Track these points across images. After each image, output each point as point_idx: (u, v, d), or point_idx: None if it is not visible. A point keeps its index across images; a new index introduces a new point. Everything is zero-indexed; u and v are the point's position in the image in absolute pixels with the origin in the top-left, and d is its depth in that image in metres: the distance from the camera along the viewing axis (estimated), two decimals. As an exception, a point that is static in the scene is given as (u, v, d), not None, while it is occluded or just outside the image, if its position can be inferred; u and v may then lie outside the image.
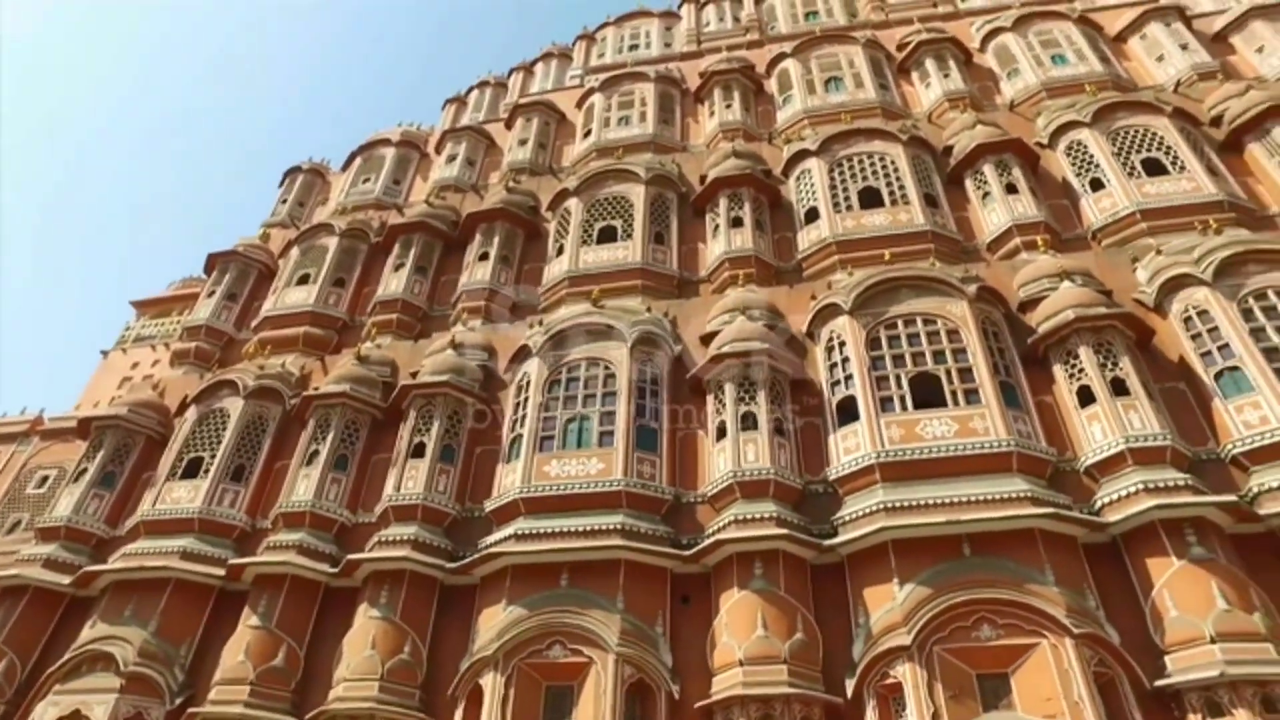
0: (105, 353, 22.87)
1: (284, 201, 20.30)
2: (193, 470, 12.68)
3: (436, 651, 10.32)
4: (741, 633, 9.14)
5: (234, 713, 9.86)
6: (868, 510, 9.71)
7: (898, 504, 9.57)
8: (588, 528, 10.15)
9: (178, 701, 10.49)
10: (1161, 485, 9.21)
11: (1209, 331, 10.68)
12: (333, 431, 12.33)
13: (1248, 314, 10.59)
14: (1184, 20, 17.73)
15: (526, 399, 11.92)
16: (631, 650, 9.32)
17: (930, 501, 9.52)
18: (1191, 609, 8.44)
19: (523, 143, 19.11)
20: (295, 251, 17.01)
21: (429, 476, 11.40)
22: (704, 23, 23.14)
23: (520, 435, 11.51)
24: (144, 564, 11.48)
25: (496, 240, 15.59)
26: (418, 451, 11.75)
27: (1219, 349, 10.50)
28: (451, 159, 19.43)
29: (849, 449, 10.42)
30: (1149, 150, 13.91)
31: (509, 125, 20.17)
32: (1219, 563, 8.70)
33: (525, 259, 15.86)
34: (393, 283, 15.58)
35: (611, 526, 10.09)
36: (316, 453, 12.19)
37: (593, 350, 12.14)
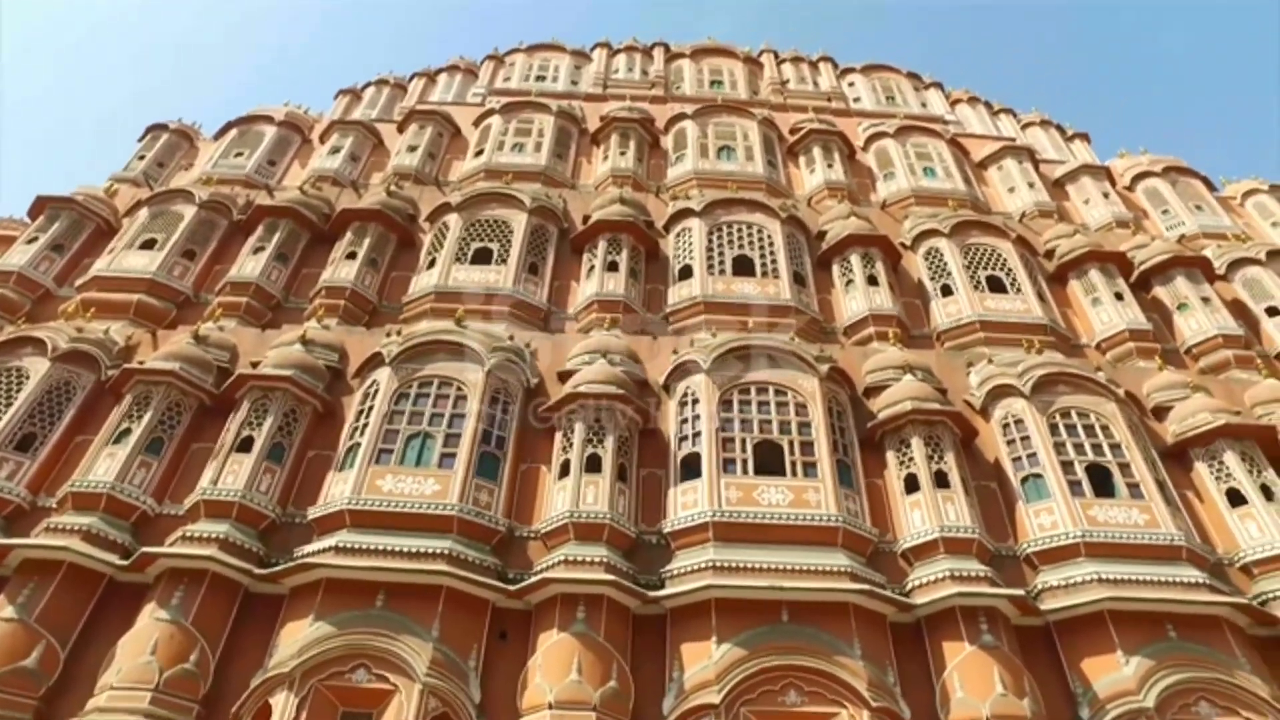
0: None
1: (141, 158, 18.67)
2: (-32, 433, 11.20)
3: (228, 664, 9.45)
4: (555, 675, 8.99)
5: (-48, 721, 8.43)
6: (697, 566, 9.89)
7: (726, 564, 9.81)
8: (413, 549, 9.75)
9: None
10: (965, 575, 9.93)
11: (1021, 439, 11.73)
12: (151, 411, 11.32)
13: (1054, 429, 11.73)
14: (1033, 162, 19.88)
15: (371, 408, 11.45)
16: (440, 682, 8.95)
17: (757, 565, 9.81)
18: (975, 691, 9.06)
19: (412, 149, 18.67)
20: (144, 213, 15.71)
21: (252, 474, 10.63)
22: (613, 69, 23.65)
23: (358, 444, 11.01)
24: None
25: (368, 241, 15.05)
26: (244, 446, 10.95)
27: (1028, 457, 11.54)
28: (335, 150, 18.69)
29: (687, 504, 10.62)
30: (993, 269, 15.32)
31: (401, 129, 19.68)
32: (1003, 650, 9.42)
33: (394, 266, 15.37)
34: (249, 265, 14.66)
35: (438, 551, 9.74)
36: (128, 431, 11.12)
37: (448, 369, 11.86)
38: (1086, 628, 9.80)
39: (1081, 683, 9.50)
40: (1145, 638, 9.60)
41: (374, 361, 12.19)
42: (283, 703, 8.73)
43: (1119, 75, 64.33)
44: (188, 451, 11.49)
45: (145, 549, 9.91)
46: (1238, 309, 15.53)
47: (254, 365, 12.05)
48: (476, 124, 19.66)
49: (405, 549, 9.76)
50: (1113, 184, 19.64)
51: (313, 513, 10.49)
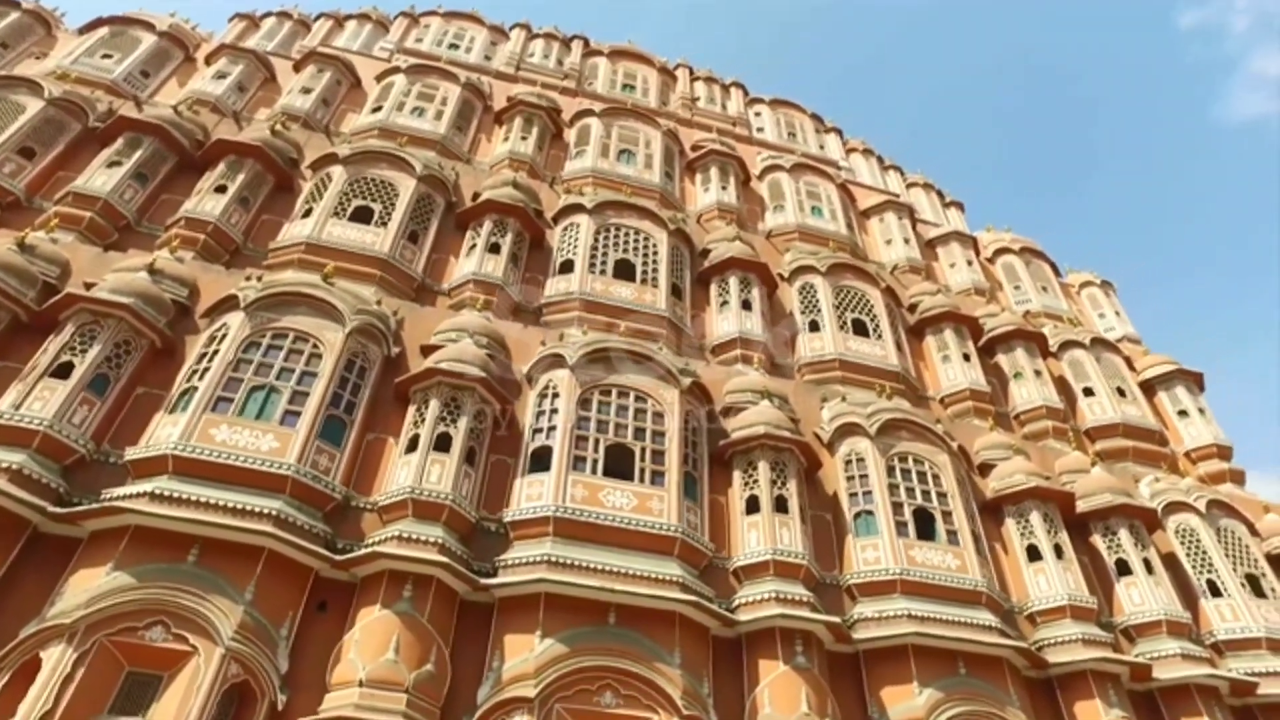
0: None
1: (-20, 35, 16.81)
2: None
3: (-2, 612, 8.50)
4: (370, 653, 8.68)
5: None
6: (532, 559, 9.83)
7: (562, 560, 9.79)
8: (239, 505, 9.15)
9: None
10: (790, 598, 10.35)
11: (860, 477, 12.36)
12: (-49, 318, 10.16)
13: (891, 471, 12.43)
14: (912, 220, 21.14)
15: (216, 352, 10.71)
16: (246, 648, 8.44)
17: (592, 565, 9.85)
18: (781, 708, 9.46)
19: (306, 91, 17.72)
20: (-23, 98, 14.14)
21: (65, 403, 9.64)
22: (529, 53, 23.29)
23: (195, 388, 10.27)
24: None
25: (241, 178, 14.13)
26: (61, 372, 9.95)
27: (864, 494, 12.18)
28: (221, 76, 17.48)
29: (531, 496, 10.55)
30: (860, 313, 16.12)
31: (298, 68, 18.66)
32: (813, 673, 9.88)
33: (266, 209, 14.52)
34: (100, 178, 13.43)
35: (265, 510, 9.19)
36: (-81, 337, 9.92)
37: (306, 324, 11.26)
38: (891, 658, 10.46)
39: (879, 708, 10.15)
40: (939, 672, 10.36)
41: (228, 304, 11.42)
42: (56, 657, 7.95)
43: (999, 156, 69.53)
44: (-9, 369, 10.35)
45: (-80, 470, 8.81)
46: (1061, 385, 17.12)
47: (87, 286, 11.03)
48: (379, 79, 18.91)
49: (230, 504, 9.16)
50: (977, 253, 21.19)
51: (131, 454, 9.68)
